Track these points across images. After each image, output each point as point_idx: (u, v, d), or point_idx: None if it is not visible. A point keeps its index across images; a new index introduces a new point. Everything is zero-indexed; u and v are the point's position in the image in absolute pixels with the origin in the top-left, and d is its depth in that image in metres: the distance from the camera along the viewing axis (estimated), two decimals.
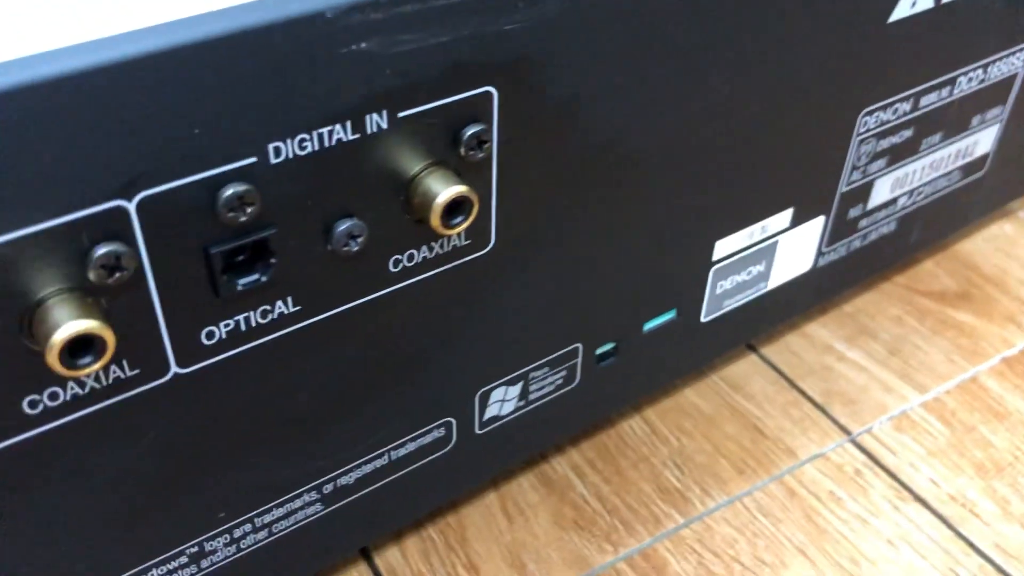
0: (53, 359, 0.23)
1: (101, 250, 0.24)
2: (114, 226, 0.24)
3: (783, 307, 0.45)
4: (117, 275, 0.24)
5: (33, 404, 0.25)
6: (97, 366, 0.24)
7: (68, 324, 0.23)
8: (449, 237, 0.31)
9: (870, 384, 0.50)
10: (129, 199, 0.24)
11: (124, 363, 0.26)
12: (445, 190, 0.28)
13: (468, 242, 0.31)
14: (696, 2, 0.31)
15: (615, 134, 0.32)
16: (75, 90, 0.22)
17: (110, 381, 0.26)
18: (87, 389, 0.26)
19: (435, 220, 0.28)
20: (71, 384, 0.26)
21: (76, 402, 0.26)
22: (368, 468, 0.34)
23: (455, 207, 0.28)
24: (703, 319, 0.42)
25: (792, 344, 0.52)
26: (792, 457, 0.46)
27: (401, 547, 0.42)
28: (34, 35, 0.23)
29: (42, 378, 0.25)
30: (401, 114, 0.27)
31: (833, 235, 0.44)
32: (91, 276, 0.24)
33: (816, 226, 0.43)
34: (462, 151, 0.28)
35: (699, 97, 0.34)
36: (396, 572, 0.41)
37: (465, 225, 0.29)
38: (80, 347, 0.24)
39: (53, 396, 0.26)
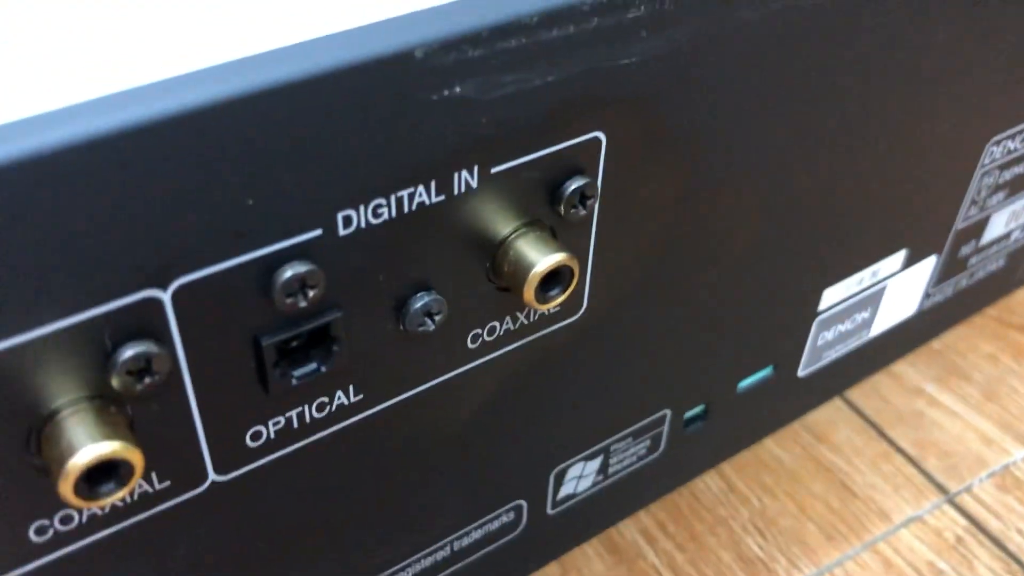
0: (67, 489, 0.18)
1: (128, 352, 0.19)
2: (144, 321, 0.19)
3: (883, 354, 0.40)
4: (147, 380, 0.19)
5: (41, 531, 0.20)
6: (120, 494, 0.19)
7: (86, 448, 0.18)
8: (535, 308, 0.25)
9: (965, 434, 0.45)
10: (163, 287, 0.19)
11: (153, 476, 0.21)
12: (544, 258, 0.23)
13: (557, 309, 0.26)
14: (832, 25, 0.26)
15: (727, 177, 0.27)
16: (93, 156, 0.16)
17: (135, 497, 0.21)
18: (107, 509, 0.21)
19: (528, 293, 0.23)
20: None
21: (93, 524, 0.21)
22: (428, 562, 0.30)
23: (552, 277, 0.23)
24: (800, 373, 0.37)
25: (879, 386, 0.47)
26: (886, 520, 0.42)
27: None
28: (38, 86, 0.18)
29: (53, 501, 0.20)
30: (495, 169, 0.22)
31: (942, 275, 0.39)
32: (115, 384, 0.19)
33: (927, 267, 0.38)
34: (562, 209, 0.23)
35: (825, 133, 0.28)
36: None
37: (562, 298, 0.24)
38: (100, 472, 0.19)
39: (66, 520, 0.21)
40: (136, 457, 0.19)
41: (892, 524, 0.41)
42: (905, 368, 0.48)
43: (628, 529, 0.41)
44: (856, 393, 0.46)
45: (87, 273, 0.18)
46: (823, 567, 0.40)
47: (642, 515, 0.41)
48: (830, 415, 0.46)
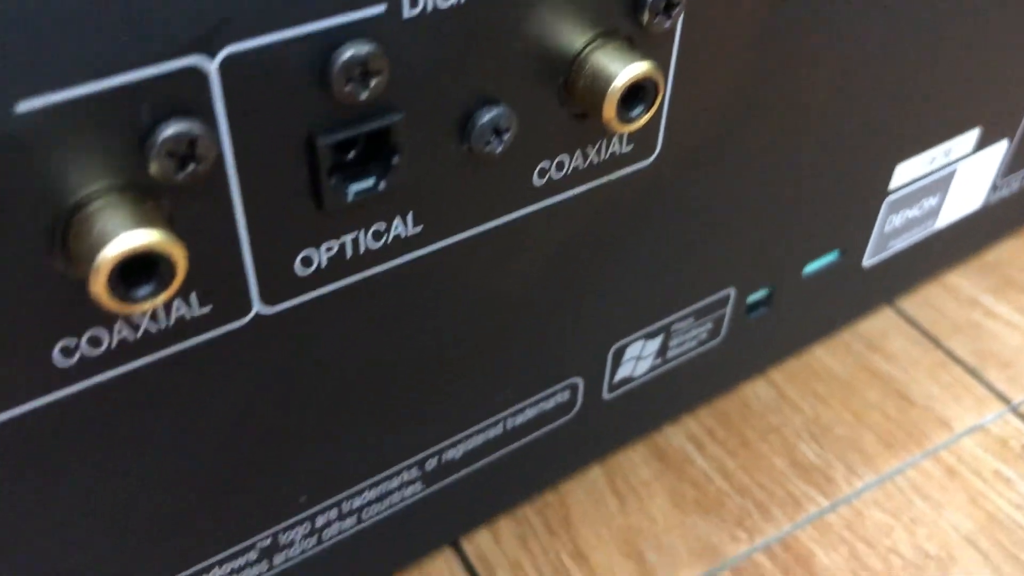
0: (100, 286, 0.16)
1: (168, 130, 0.16)
2: (188, 96, 0.16)
3: (945, 253, 0.38)
4: (189, 168, 0.17)
5: (67, 353, 0.18)
6: (160, 299, 0.17)
7: (123, 236, 0.16)
8: (608, 141, 0.23)
9: None
10: (211, 55, 0.16)
11: (192, 298, 0.19)
12: (626, 69, 0.20)
13: (630, 148, 0.24)
14: None
15: (811, 25, 0.25)
16: None
17: (171, 323, 0.19)
18: (140, 333, 0.19)
19: (609, 110, 0.21)
20: (119, 325, 0.18)
21: (124, 351, 0.19)
22: (479, 439, 0.27)
23: (634, 94, 0.21)
24: (865, 263, 0.34)
25: (932, 297, 0.45)
26: (947, 429, 0.39)
27: (493, 531, 0.35)
28: None
29: (80, 316, 0.18)
30: None
31: (1012, 164, 0.37)
32: (152, 169, 0.17)
33: (998, 152, 0.36)
34: (644, 17, 0.21)
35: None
36: (489, 561, 0.34)
37: (646, 118, 0.21)
38: (136, 271, 0.17)
39: (94, 342, 0.18)
40: (178, 253, 0.16)
41: (953, 433, 0.39)
42: (959, 280, 0.46)
43: (675, 435, 0.38)
44: (910, 303, 0.44)
45: (125, 30, 0.15)
46: (883, 474, 0.37)
47: (689, 422, 0.39)
48: (883, 325, 0.43)
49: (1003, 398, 0.41)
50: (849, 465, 0.38)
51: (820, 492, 0.37)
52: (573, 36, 0.21)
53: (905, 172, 0.32)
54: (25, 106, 0.15)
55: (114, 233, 0.16)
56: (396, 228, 0.21)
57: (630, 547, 0.35)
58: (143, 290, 0.17)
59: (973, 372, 0.42)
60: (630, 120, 0.21)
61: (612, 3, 0.21)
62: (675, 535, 0.35)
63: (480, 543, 0.35)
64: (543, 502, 0.36)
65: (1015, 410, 0.40)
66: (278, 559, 0.25)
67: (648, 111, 0.21)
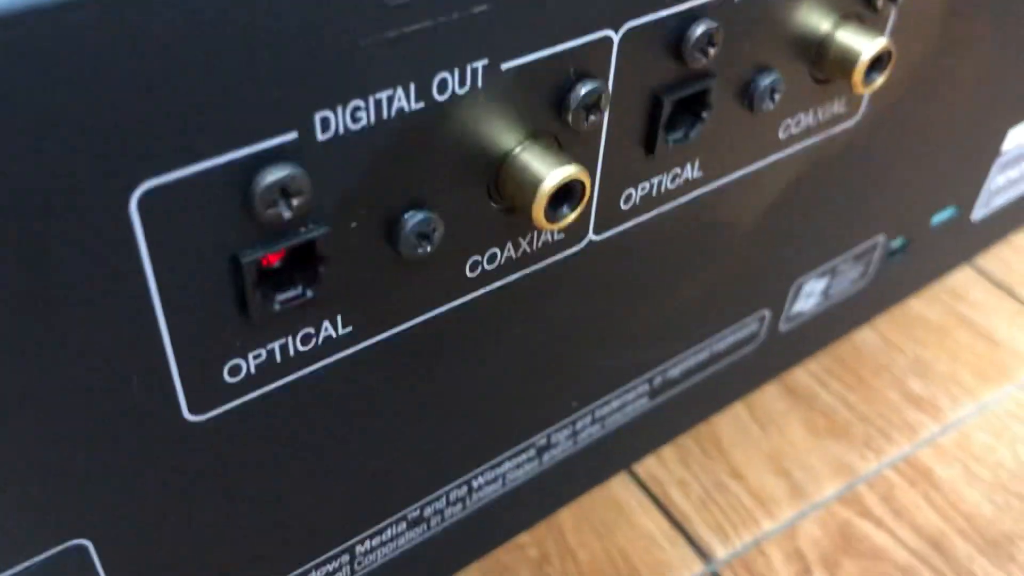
0: (539, 211, 0.21)
1: (586, 88, 0.21)
2: (596, 61, 0.21)
3: None
4: (592, 118, 0.22)
5: (474, 266, 0.23)
6: (573, 216, 0.22)
7: (557, 170, 0.21)
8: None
9: None
10: (616, 29, 0.21)
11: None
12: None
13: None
14: None
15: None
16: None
17: (539, 245, 0.24)
18: (519, 252, 0.24)
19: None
20: (509, 245, 0.23)
21: (507, 266, 0.24)
22: (691, 361, 0.32)
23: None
24: (973, 217, 0.40)
25: (1002, 254, 0.51)
26: None
27: (658, 456, 0.40)
28: None
29: (493, 237, 0.23)
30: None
31: None
32: (570, 119, 0.22)
33: None
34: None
35: None
36: (659, 479, 0.39)
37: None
38: (557, 198, 0.22)
39: (492, 258, 0.23)
40: (587, 180, 0.21)
41: None
42: (1022, 238, 0.52)
43: (800, 375, 0.44)
44: (984, 260, 0.50)
45: (565, 6, 0.20)
46: (982, 402, 0.43)
47: (810, 364, 0.44)
48: (964, 280, 0.49)
49: None
50: (952, 396, 0.44)
51: (931, 419, 0.42)
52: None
53: (1016, 136, 0.38)
54: (508, 64, 0.20)
55: (549, 169, 0.21)
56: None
57: (777, 466, 0.40)
58: (563, 210, 0.22)
59: None
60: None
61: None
62: (814, 456, 0.41)
63: (648, 466, 0.40)
64: (696, 432, 0.41)
65: None
66: (546, 457, 0.30)
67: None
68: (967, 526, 0.39)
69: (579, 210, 0.22)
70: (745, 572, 0.37)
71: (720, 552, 0.37)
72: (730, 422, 0.42)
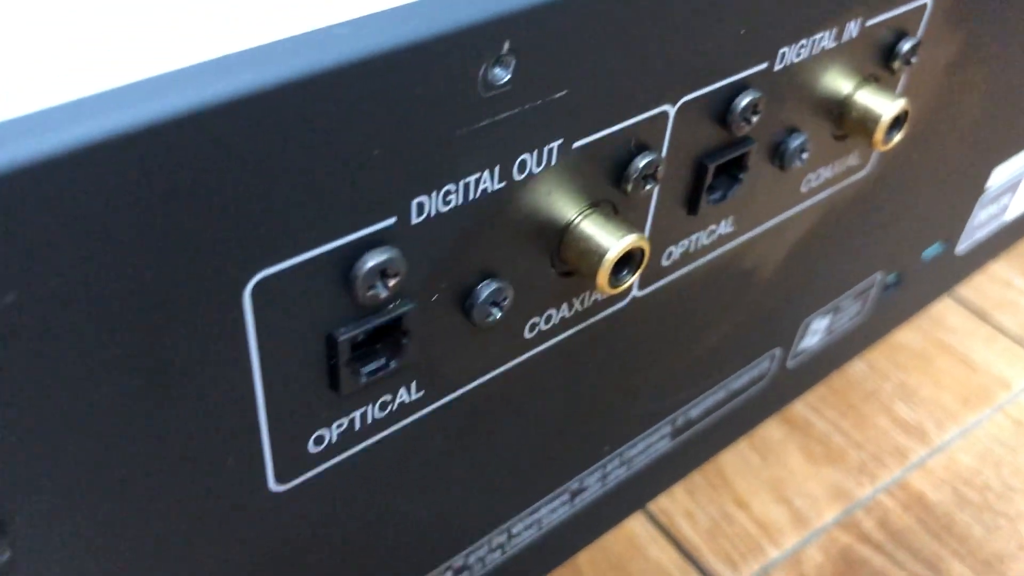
0: (603, 278, 0.22)
1: (645, 159, 0.22)
2: (653, 133, 0.23)
3: (1001, 243, 0.46)
4: (648, 187, 0.23)
5: (532, 327, 0.24)
6: (633, 279, 0.23)
7: (622, 240, 0.22)
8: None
9: None
10: (673, 103, 0.22)
11: None
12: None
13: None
14: None
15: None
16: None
17: (589, 304, 0.25)
18: (571, 312, 0.25)
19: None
20: (564, 306, 0.24)
21: (560, 325, 0.25)
22: (710, 400, 0.34)
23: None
24: (957, 250, 0.42)
25: (975, 282, 0.53)
26: (1007, 388, 0.47)
27: (667, 490, 0.41)
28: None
29: (550, 299, 0.24)
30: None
31: None
32: (628, 188, 0.23)
33: None
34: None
35: None
36: (667, 511, 0.40)
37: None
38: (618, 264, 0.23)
39: (548, 319, 0.24)
40: (647, 247, 0.23)
41: (1012, 391, 0.47)
42: (995, 266, 0.54)
43: (795, 404, 0.45)
44: (959, 288, 0.52)
45: (630, 85, 0.21)
46: (966, 426, 0.45)
47: (806, 393, 0.46)
48: (941, 307, 0.51)
49: None
50: (937, 420, 0.45)
51: (919, 443, 0.44)
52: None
53: (1000, 173, 0.40)
54: (578, 143, 0.21)
55: (614, 239, 0.22)
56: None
57: (779, 494, 0.42)
58: (623, 273, 0.23)
59: (1018, 340, 0.50)
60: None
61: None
62: (812, 483, 0.42)
63: (658, 499, 0.41)
64: (700, 466, 0.43)
65: None
66: (577, 501, 0.31)
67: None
68: (960, 548, 0.40)
69: (638, 273, 0.22)
70: None
71: None
72: (732, 453, 0.43)
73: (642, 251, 0.22)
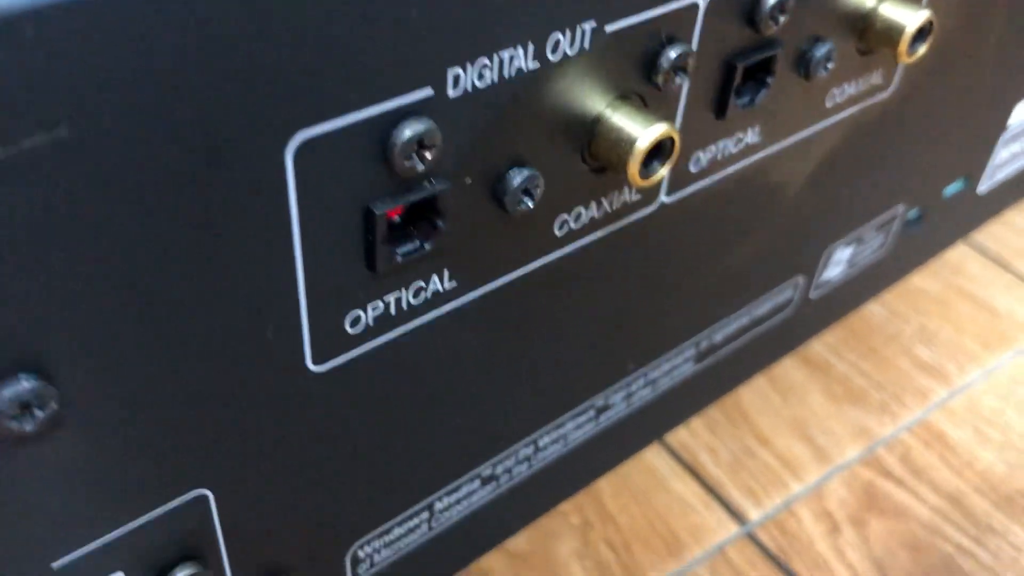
0: (634, 168, 0.22)
1: (676, 50, 0.23)
2: (683, 26, 0.23)
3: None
4: (678, 80, 0.23)
5: (562, 225, 0.24)
6: (664, 171, 0.23)
7: (652, 128, 0.22)
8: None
9: None
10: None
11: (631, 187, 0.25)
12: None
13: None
14: None
15: None
16: None
17: (618, 205, 0.25)
18: (600, 212, 0.25)
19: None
20: (593, 205, 0.25)
21: (589, 225, 0.25)
22: (734, 325, 0.34)
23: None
24: (979, 189, 0.42)
25: (993, 229, 0.53)
26: None
27: (687, 425, 0.42)
28: None
29: (580, 197, 0.24)
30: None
31: None
32: (659, 80, 0.23)
33: None
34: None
35: None
36: (689, 447, 0.41)
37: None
38: (649, 155, 0.23)
39: (577, 217, 0.24)
40: (676, 136, 0.23)
41: None
42: (1015, 215, 0.54)
43: (815, 346, 0.46)
44: (978, 235, 0.52)
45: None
46: (987, 368, 0.45)
47: (824, 336, 0.46)
48: (960, 255, 0.51)
49: None
50: (959, 363, 0.46)
51: (940, 384, 0.44)
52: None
53: (1021, 110, 0.40)
54: (611, 27, 0.21)
55: (642, 129, 0.22)
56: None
57: (801, 432, 0.42)
58: (653, 166, 0.23)
59: None
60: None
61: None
62: (834, 422, 0.42)
63: (678, 435, 0.41)
64: (721, 402, 0.43)
65: None
66: (603, 418, 0.31)
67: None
68: (982, 484, 0.40)
69: (669, 165, 0.23)
70: (779, 533, 0.38)
71: (753, 514, 0.39)
72: (753, 392, 0.43)
73: (672, 141, 0.23)
